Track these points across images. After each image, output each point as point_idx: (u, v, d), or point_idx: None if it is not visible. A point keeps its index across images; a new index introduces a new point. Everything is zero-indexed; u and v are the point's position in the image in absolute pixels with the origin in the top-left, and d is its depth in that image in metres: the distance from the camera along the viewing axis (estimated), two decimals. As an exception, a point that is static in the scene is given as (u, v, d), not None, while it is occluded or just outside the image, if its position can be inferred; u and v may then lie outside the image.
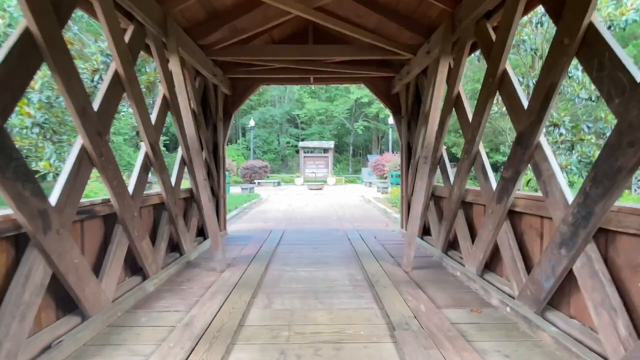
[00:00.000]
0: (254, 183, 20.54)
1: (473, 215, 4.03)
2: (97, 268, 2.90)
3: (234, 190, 16.12)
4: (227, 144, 34.80)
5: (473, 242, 3.86)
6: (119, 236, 3.11)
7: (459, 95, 4.20)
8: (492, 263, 3.57)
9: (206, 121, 6.02)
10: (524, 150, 2.84)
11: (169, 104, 4.22)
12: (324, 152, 25.24)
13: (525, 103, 2.93)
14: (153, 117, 3.97)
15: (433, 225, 5.10)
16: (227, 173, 14.64)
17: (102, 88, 3.03)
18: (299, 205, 11.52)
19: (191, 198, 5.11)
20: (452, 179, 4.48)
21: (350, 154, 33.83)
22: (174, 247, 4.53)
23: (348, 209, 10.19)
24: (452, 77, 4.18)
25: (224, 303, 3.05)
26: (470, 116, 3.96)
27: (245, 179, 21.21)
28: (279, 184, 21.56)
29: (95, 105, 2.87)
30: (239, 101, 6.87)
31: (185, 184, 5.16)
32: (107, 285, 2.89)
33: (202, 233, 5.61)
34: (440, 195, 5.00)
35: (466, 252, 3.92)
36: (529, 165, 2.89)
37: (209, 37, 5.02)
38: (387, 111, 27.83)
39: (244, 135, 34.85)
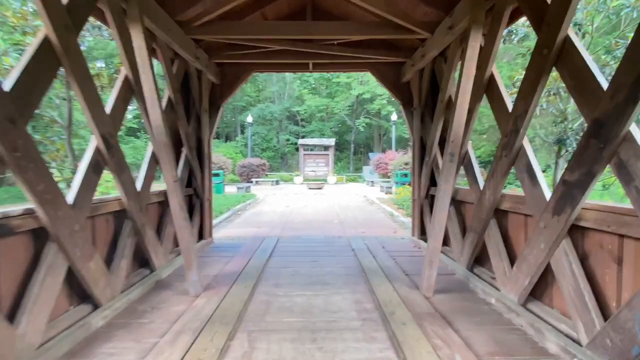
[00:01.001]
0: (251, 182, 19.75)
1: (509, 226, 3.24)
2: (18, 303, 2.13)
3: (228, 189, 15.30)
4: (226, 141, 33.98)
5: (511, 261, 3.08)
6: (51, 258, 2.32)
7: (492, 78, 3.39)
8: (537, 289, 2.77)
9: (188, 112, 5.21)
10: (603, 144, 2.04)
11: (133, 87, 3.42)
12: (325, 150, 24.38)
13: (602, 80, 2.13)
14: (110, 103, 3.18)
15: (453, 235, 4.30)
16: (220, 172, 13.88)
17: (22, 60, 2.23)
18: (297, 206, 10.71)
19: (167, 202, 4.31)
20: (480, 180, 3.69)
21: (352, 152, 32.99)
22: (143, 262, 3.75)
23: (350, 211, 9.38)
24: (484, 55, 3.37)
25: (188, 349, 2.25)
26: (508, 102, 3.16)
27: (242, 177, 20.40)
28: (277, 182, 20.74)
29: (9, 83, 2.07)
30: (229, 91, 6.06)
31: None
32: (29, 327, 2.10)
33: (181, 242, 4.82)
34: (463, 200, 4.20)
35: (502, 274, 3.13)
36: (608, 165, 2.10)
37: (189, 10, 4.22)
38: (390, 107, 27.14)
39: (242, 132, 34.02)
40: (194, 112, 5.28)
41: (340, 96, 30.18)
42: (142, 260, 3.74)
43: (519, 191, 3.15)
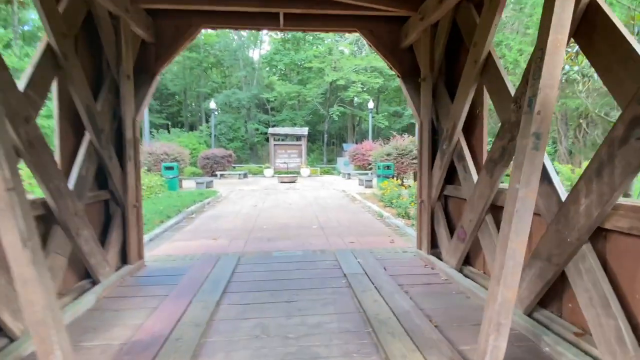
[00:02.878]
0: (215, 175, 17.79)
1: (618, 259, 1.94)
2: None
3: (187, 184, 13.34)
4: (190, 131, 31.46)
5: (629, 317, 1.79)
6: None
7: (594, 8, 2.02)
8: None
9: (98, 78, 3.51)
10: None
11: None
12: (297, 140, 22.70)
13: None
14: None
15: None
16: (175, 164, 11.92)
17: None
18: (267, 205, 9.08)
19: (49, 217, 2.64)
20: (555, 180, 2.35)
21: (325, 143, 31.49)
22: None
23: (331, 212, 7.92)
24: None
25: None
26: (633, 41, 1.81)
27: (205, 170, 18.36)
28: (245, 175, 18.88)
29: None
30: (168, 53, 4.35)
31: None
32: None
33: (87, 274, 3.17)
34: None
35: (612, 338, 1.83)
36: None
37: None
38: (366, 95, 25.79)
39: (207, 121, 31.47)
40: (108, 78, 3.56)
41: (312, 82, 28.40)
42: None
43: None
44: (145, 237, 5.18)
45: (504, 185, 2.89)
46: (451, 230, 3.86)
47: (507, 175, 2.65)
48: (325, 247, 4.76)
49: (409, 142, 12.31)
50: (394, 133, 13.49)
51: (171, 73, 33.55)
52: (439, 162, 3.85)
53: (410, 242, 5.02)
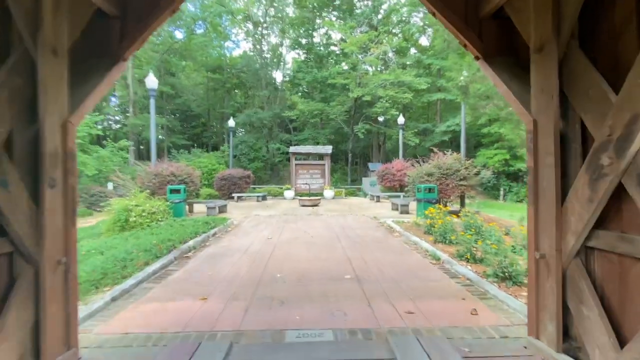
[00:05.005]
0: (232, 197, 16.48)
1: None
2: None
3: (199, 208, 11.99)
4: (212, 151, 30.92)
5: None
6: None
7: None
8: None
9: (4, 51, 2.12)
10: None
11: None
12: (320, 159, 21.20)
13: None
14: None
15: None
16: (182, 187, 10.57)
17: None
18: (284, 239, 7.41)
19: None
20: None
21: (349, 162, 29.86)
22: None
23: (367, 251, 6.15)
24: None
25: None
26: None
27: (222, 192, 17.09)
28: (264, 198, 17.44)
29: None
30: (141, 29, 2.99)
31: None
32: None
33: None
34: None
35: None
36: None
37: None
38: (394, 111, 24.16)
39: (229, 141, 30.77)
40: (17, 53, 2.17)
41: (336, 100, 27.10)
42: None
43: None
44: (108, 295, 3.66)
45: None
46: (606, 312, 2.12)
47: None
48: (370, 324, 3.05)
49: (453, 160, 10.47)
50: (436, 149, 11.66)
51: (195, 95, 33.51)
52: (586, 191, 2.13)
53: (502, 313, 3.23)
